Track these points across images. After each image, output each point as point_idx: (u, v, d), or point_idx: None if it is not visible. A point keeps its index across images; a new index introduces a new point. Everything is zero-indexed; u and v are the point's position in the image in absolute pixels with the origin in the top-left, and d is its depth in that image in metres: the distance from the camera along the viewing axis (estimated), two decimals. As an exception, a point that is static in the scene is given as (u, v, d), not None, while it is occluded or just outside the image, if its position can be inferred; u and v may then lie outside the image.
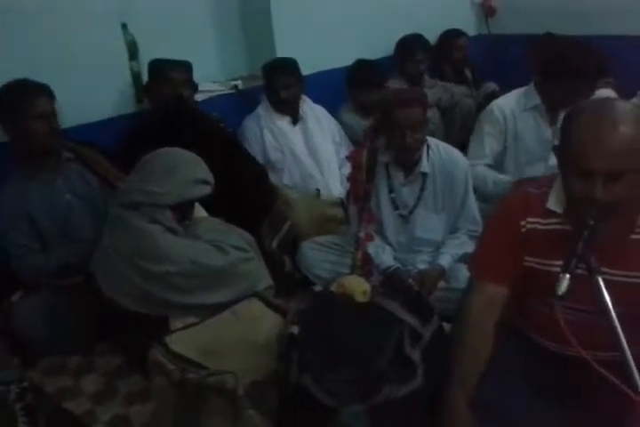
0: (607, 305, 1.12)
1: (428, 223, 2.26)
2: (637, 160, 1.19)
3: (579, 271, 1.15)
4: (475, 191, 2.35)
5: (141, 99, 2.60)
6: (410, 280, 2.12)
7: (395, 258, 2.26)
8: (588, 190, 1.21)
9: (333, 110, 3.11)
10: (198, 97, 2.64)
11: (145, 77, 2.57)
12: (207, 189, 1.85)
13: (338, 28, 3.29)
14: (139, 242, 1.78)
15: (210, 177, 1.86)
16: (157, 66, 2.46)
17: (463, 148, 2.70)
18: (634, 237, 1.34)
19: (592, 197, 1.20)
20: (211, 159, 1.93)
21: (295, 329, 1.52)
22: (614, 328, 1.09)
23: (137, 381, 1.84)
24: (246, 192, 2.30)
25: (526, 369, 1.50)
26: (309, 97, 2.94)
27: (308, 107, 2.91)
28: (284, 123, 2.82)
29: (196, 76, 2.57)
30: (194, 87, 2.51)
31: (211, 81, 2.98)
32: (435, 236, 2.27)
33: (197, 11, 3.01)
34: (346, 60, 3.21)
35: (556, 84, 2.36)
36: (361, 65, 3.16)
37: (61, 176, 2.09)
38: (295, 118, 2.86)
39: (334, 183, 2.82)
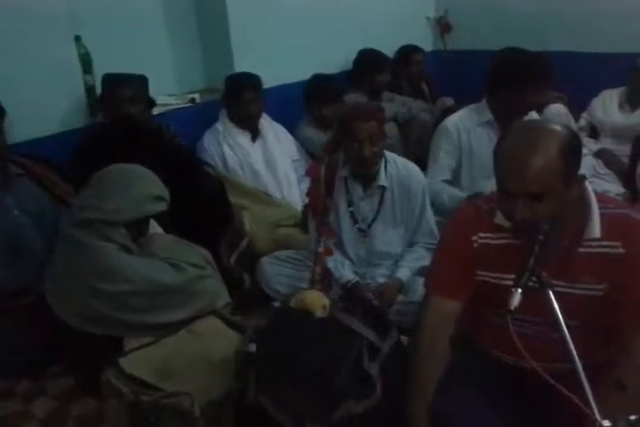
0: (558, 317, 1.14)
1: (387, 237, 2.28)
2: (556, 184, 1.25)
3: (530, 284, 1.18)
4: (432, 205, 2.38)
5: (95, 113, 2.55)
6: (369, 294, 2.12)
7: (354, 272, 2.26)
8: (510, 210, 1.28)
9: (291, 125, 3.12)
10: (154, 111, 2.60)
11: (99, 91, 2.52)
12: (162, 206, 1.82)
13: (296, 42, 3.31)
14: (91, 261, 1.74)
15: (165, 193, 1.83)
16: (110, 80, 2.42)
17: (420, 161, 2.74)
18: (581, 250, 1.38)
19: (513, 216, 1.27)
20: (165, 175, 1.90)
21: (252, 347, 1.50)
22: (565, 340, 1.11)
23: (89, 404, 1.78)
24: (203, 208, 2.28)
25: (484, 381, 1.52)
26: (267, 112, 2.94)
27: (268, 123, 2.92)
28: (243, 138, 2.81)
29: (153, 90, 2.54)
30: (150, 102, 2.47)
31: (167, 94, 2.96)
32: (393, 249, 2.29)
33: (154, 23, 2.98)
34: (303, 74, 3.23)
35: (503, 93, 2.42)
36: (318, 79, 3.18)
37: (10, 193, 2.02)
38: (255, 134, 2.86)
39: (294, 199, 2.82)
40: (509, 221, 1.34)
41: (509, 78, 2.38)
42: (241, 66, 3.04)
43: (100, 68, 2.55)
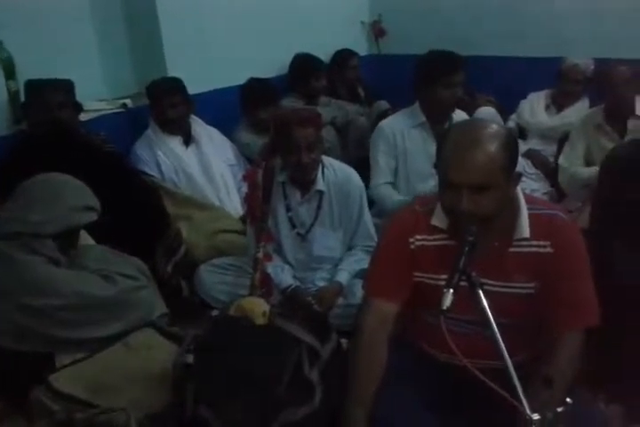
0: (488, 316, 1.17)
1: (326, 241, 2.29)
2: (498, 176, 1.30)
3: (462, 284, 1.20)
4: (371, 207, 2.41)
5: (19, 120, 2.44)
6: (309, 298, 2.13)
7: (294, 276, 2.27)
8: (455, 202, 1.31)
9: (228, 129, 3.09)
10: (83, 117, 2.52)
11: (23, 97, 2.42)
12: (93, 216, 1.76)
13: (230, 45, 3.27)
14: (18, 275, 1.66)
15: (95, 203, 1.77)
16: (33, 86, 2.33)
17: (358, 165, 2.77)
18: (512, 250, 1.43)
19: (459, 207, 1.29)
20: (96, 183, 1.84)
21: (190, 358, 1.47)
22: (495, 338, 1.14)
23: (19, 424, 1.69)
24: (137, 216, 2.21)
25: (423, 381, 1.54)
26: (202, 116, 2.90)
27: (201, 128, 2.88)
28: (175, 143, 2.77)
29: (81, 95, 2.45)
30: (76, 107, 2.39)
31: (97, 99, 2.86)
32: (332, 253, 2.30)
33: (80, 26, 2.88)
34: (239, 78, 3.20)
35: (430, 93, 2.50)
36: (254, 83, 3.16)
37: None
38: (187, 139, 2.81)
39: (233, 205, 2.78)
40: (451, 216, 1.36)
41: (426, 77, 2.48)
42: (174, 69, 2.98)
43: (24, 73, 2.45)
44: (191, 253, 2.41)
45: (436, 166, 1.42)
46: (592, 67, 3.18)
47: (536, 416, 1.04)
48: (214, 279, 2.31)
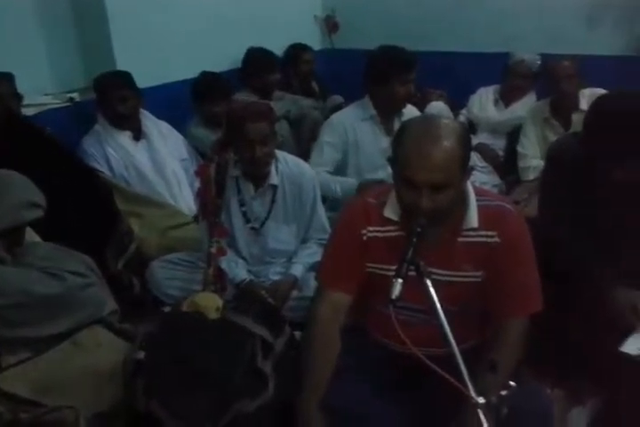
0: (435, 304, 1.19)
1: (280, 235, 2.29)
2: (456, 174, 1.33)
3: (411, 274, 1.23)
4: (324, 201, 2.42)
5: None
6: (263, 292, 2.12)
7: (248, 271, 2.26)
8: (415, 199, 1.32)
9: (179, 123, 3.04)
10: (29, 111, 2.44)
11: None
12: (38, 213, 1.70)
13: (181, 39, 3.23)
14: (-40, 274, 1.60)
15: (41, 199, 1.72)
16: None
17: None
18: (460, 239, 1.46)
19: (418, 206, 1.31)
20: (44, 179, 1.78)
21: (141, 354, 1.45)
22: (443, 325, 1.17)
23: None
24: (87, 212, 2.16)
25: (375, 369, 1.57)
26: (153, 110, 2.85)
27: (151, 122, 2.83)
28: (125, 138, 2.71)
29: (26, 89, 2.39)
30: (17, 98, 2.31)
31: (42, 94, 2.78)
32: (287, 246, 2.30)
33: (24, 18, 2.80)
34: (190, 72, 3.15)
35: (384, 90, 2.52)
36: (206, 77, 3.13)
37: None
38: (137, 134, 2.76)
39: (185, 200, 2.75)
40: (407, 210, 1.38)
41: (376, 73, 2.51)
42: (123, 63, 2.93)
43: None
44: (143, 250, 2.37)
45: (389, 160, 1.44)
46: (538, 62, 3.25)
47: (481, 400, 1.07)
48: (166, 275, 2.28)
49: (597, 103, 1.72)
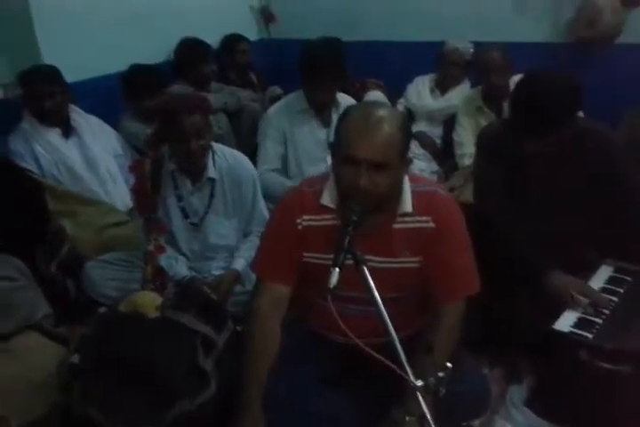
0: (373, 292, 1.20)
1: (221, 229, 2.25)
2: (395, 156, 1.34)
3: (349, 262, 1.23)
4: (264, 196, 2.39)
5: None
6: (205, 288, 2.09)
7: (189, 267, 2.22)
8: (354, 178, 1.33)
9: (111, 118, 2.94)
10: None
11: None
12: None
13: (110, 30, 3.10)
14: None
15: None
16: None
17: (254, 152, 2.74)
18: (396, 226, 1.48)
19: (357, 184, 1.32)
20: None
21: (76, 358, 1.40)
22: (381, 312, 1.17)
23: None
24: (14, 214, 2.06)
25: (316, 360, 1.57)
26: (82, 105, 2.75)
27: (81, 118, 2.73)
28: (54, 136, 2.60)
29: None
30: None
31: (-38, 89, 2.64)
32: (228, 241, 2.27)
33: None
34: (122, 64, 3.05)
35: (307, 82, 2.53)
36: (137, 70, 3.03)
37: None
38: (66, 130, 2.66)
39: (121, 197, 2.67)
40: (345, 195, 1.38)
41: (309, 68, 2.50)
42: (50, 57, 2.80)
43: None
44: (77, 251, 2.29)
45: (331, 146, 1.43)
46: (471, 50, 3.31)
47: (419, 383, 1.09)
48: (103, 276, 2.20)
49: (518, 83, 1.80)
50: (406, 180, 1.48)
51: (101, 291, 2.18)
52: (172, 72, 3.41)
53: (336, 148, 1.39)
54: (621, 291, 1.75)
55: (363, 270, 1.23)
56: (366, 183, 1.32)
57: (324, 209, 1.48)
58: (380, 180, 1.33)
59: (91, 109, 2.81)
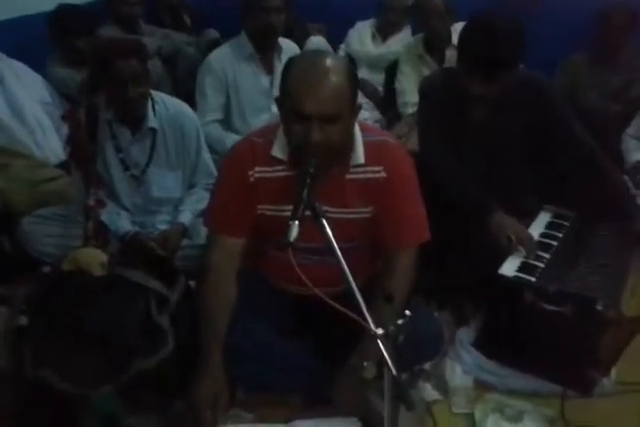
0: (332, 243, 1.19)
1: (164, 182, 2.17)
2: (345, 106, 1.31)
3: (306, 214, 1.21)
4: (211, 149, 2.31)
5: None
6: (151, 243, 2.03)
7: (133, 222, 2.14)
8: (305, 133, 1.29)
9: (36, 62, 2.73)
10: None
11: None
12: None
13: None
14: None
15: None
16: None
17: (190, 98, 2.62)
18: (348, 176, 1.47)
19: (309, 139, 1.28)
20: None
21: (24, 320, 1.35)
22: (340, 262, 1.17)
23: None
24: None
25: (274, 311, 1.58)
26: (4, 48, 2.53)
27: (4, 63, 2.51)
28: (-26, 85, 2.40)
29: None
30: None
31: None
32: (172, 194, 2.20)
33: None
34: (45, 4, 2.81)
35: (251, 19, 2.44)
36: (64, 10, 2.79)
37: None
38: (-12, 77, 2.45)
39: (52, 148, 2.51)
40: (297, 149, 1.34)
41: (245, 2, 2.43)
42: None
43: None
44: (10, 206, 2.16)
45: (276, 100, 1.38)
46: (412, -4, 3.25)
47: (380, 331, 1.11)
48: (41, 232, 2.09)
49: (465, 26, 1.77)
50: (357, 128, 1.46)
51: (39, 248, 2.08)
52: (102, 13, 3.17)
53: (283, 101, 1.34)
54: (560, 236, 1.84)
55: (322, 223, 1.22)
56: (319, 138, 1.29)
57: (276, 160, 1.45)
58: (332, 132, 1.30)
59: (12, 53, 2.59)
